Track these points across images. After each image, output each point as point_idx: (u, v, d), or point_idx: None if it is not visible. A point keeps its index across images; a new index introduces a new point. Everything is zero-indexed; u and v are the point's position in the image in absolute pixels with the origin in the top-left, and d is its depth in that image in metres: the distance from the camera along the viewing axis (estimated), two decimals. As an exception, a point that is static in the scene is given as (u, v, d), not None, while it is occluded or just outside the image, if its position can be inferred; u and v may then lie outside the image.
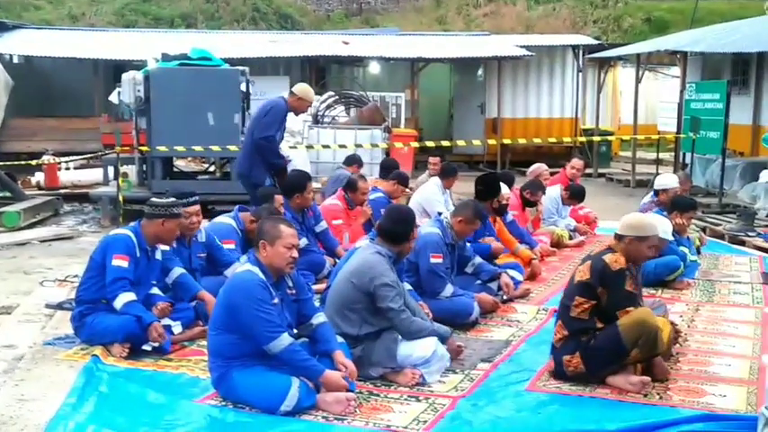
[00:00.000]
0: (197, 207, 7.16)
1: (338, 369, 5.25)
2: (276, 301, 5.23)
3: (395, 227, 6.00)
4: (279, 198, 8.33)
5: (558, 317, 5.82)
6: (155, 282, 6.60)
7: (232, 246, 7.66)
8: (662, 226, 6.36)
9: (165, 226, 6.40)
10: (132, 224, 6.59)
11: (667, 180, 10.44)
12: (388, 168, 10.80)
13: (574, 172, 12.06)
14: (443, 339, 5.94)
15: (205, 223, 7.78)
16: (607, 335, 5.47)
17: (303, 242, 8.24)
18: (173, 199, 6.52)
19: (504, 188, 9.02)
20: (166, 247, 6.77)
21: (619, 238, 5.68)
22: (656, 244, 5.79)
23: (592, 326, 5.57)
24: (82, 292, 6.41)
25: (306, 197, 8.69)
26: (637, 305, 5.59)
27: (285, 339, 5.09)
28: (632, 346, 5.44)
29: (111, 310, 6.20)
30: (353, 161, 11.37)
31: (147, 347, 6.18)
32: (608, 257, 5.56)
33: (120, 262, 6.17)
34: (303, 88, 9.60)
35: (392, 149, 16.27)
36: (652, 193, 10.71)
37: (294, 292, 5.48)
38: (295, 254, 5.33)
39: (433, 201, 10.34)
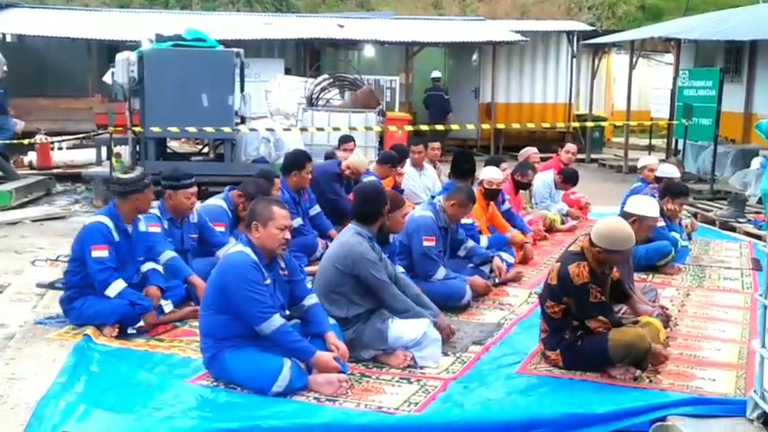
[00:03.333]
0: (194, 189, 7.18)
1: (330, 350, 5.27)
2: (268, 282, 5.23)
3: (363, 207, 6.04)
4: (277, 182, 8.33)
5: (541, 311, 5.83)
6: (141, 258, 6.55)
7: (222, 228, 7.66)
8: (649, 206, 6.37)
9: (141, 200, 6.40)
10: (106, 207, 6.54)
11: (646, 160, 11.04)
12: (389, 158, 10.68)
13: (569, 156, 12.08)
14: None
15: (197, 205, 7.77)
16: (596, 345, 5.43)
17: (297, 222, 8.26)
18: (137, 173, 6.48)
19: (496, 173, 9.01)
20: (157, 228, 6.80)
21: (591, 243, 5.50)
22: (628, 256, 5.68)
23: (568, 324, 5.57)
24: (69, 278, 6.43)
25: (303, 176, 8.71)
26: (609, 310, 5.53)
27: (277, 320, 5.10)
28: (619, 360, 5.42)
29: (99, 294, 6.20)
30: (342, 141, 11.45)
31: (132, 330, 6.21)
32: (572, 269, 5.42)
33: (99, 253, 6.17)
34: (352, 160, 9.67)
35: (386, 133, 16.26)
36: (639, 177, 10.83)
37: (286, 273, 5.48)
38: (287, 235, 5.33)
39: (411, 189, 10.43)
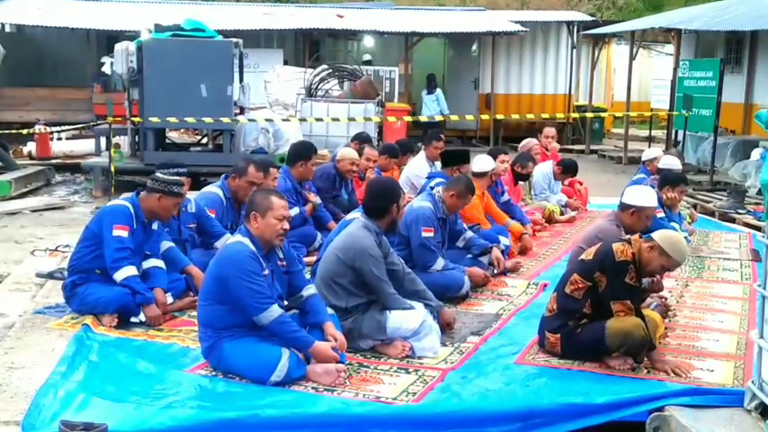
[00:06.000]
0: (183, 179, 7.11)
1: (328, 341, 5.27)
2: (266, 272, 5.23)
3: (374, 202, 6.01)
4: (274, 172, 8.32)
5: (555, 288, 5.81)
6: (148, 252, 6.53)
7: (212, 215, 7.64)
8: (646, 197, 6.38)
9: (162, 202, 6.35)
10: (130, 195, 6.54)
11: (653, 152, 11.06)
12: (391, 149, 10.64)
13: (548, 140, 12.12)
14: (435, 312, 5.99)
15: (194, 194, 7.77)
16: (593, 332, 5.42)
17: (295, 211, 8.31)
18: (176, 177, 6.45)
19: (490, 162, 9.00)
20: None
21: (649, 242, 5.47)
22: (670, 268, 5.68)
23: (580, 308, 5.52)
24: (75, 262, 6.39)
25: (309, 168, 8.72)
26: (637, 298, 5.52)
27: (275, 311, 5.09)
28: (615, 349, 5.39)
29: (104, 280, 6.20)
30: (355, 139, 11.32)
31: (135, 320, 6.20)
32: (617, 246, 5.44)
33: (120, 232, 6.16)
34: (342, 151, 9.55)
35: (385, 123, 16.25)
36: (642, 167, 10.82)
37: (285, 263, 5.48)
38: (286, 225, 5.33)
39: (420, 175, 10.35)
